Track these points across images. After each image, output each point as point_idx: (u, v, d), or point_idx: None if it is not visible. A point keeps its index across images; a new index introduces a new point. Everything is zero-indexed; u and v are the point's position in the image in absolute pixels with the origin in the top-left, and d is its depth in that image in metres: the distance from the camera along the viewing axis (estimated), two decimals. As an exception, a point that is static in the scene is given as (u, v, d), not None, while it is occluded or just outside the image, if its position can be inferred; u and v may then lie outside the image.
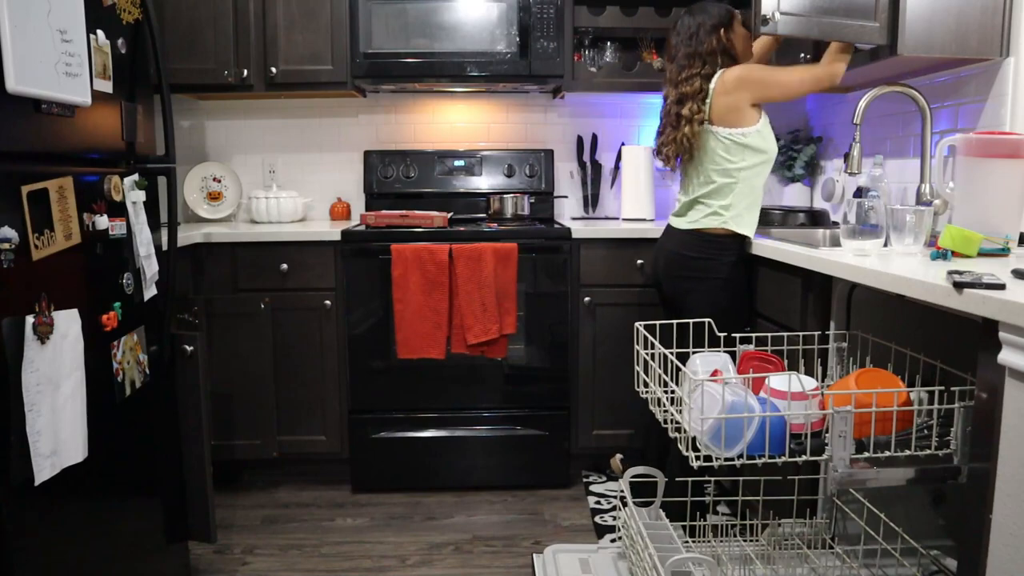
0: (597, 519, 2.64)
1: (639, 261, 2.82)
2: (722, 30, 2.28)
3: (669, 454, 2.24)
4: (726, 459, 1.45)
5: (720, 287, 2.28)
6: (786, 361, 1.79)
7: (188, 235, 2.67)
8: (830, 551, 1.90)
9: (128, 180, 1.87)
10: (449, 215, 2.97)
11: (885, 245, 1.85)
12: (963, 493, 1.38)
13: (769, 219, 2.89)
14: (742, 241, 2.28)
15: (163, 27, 2.86)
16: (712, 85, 2.24)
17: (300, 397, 2.87)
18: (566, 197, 3.42)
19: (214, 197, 3.33)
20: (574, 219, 3.35)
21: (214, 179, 3.32)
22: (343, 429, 2.87)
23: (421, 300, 2.72)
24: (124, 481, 1.86)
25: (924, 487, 1.83)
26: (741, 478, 2.13)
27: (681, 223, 2.36)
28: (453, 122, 3.42)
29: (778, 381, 1.51)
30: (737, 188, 2.25)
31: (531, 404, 2.88)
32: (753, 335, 1.87)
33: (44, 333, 1.48)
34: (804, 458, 1.47)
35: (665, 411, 1.62)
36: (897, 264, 1.60)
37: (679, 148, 2.29)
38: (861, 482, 1.48)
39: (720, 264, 2.28)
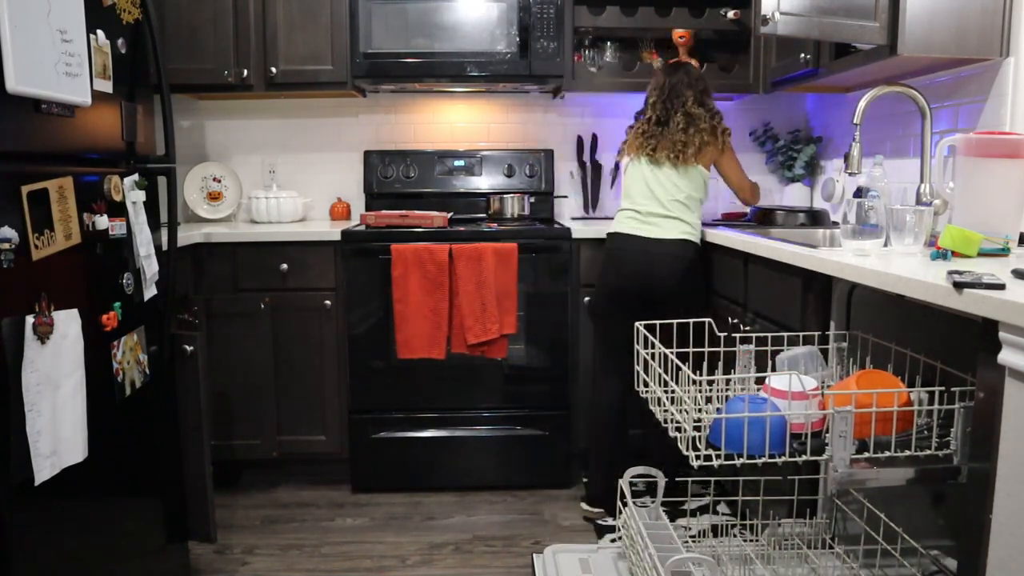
0: (597, 519, 2.64)
1: (639, 261, 2.82)
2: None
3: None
4: (726, 457, 1.45)
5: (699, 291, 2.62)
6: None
7: (188, 235, 2.67)
8: (830, 551, 1.90)
9: (128, 180, 1.87)
10: (449, 215, 2.97)
11: (885, 245, 1.85)
12: (963, 493, 1.38)
13: (769, 219, 2.89)
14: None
15: (163, 27, 2.86)
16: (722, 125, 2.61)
17: (300, 397, 2.87)
18: (566, 197, 3.42)
19: (214, 197, 3.33)
20: (574, 219, 3.35)
21: (214, 179, 3.32)
22: (343, 429, 2.87)
23: (421, 300, 2.72)
24: (124, 481, 1.86)
25: (924, 487, 1.83)
26: (741, 478, 2.13)
27: (672, 233, 2.56)
28: (453, 122, 3.42)
29: (778, 381, 1.51)
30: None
31: (531, 404, 2.88)
32: (753, 335, 1.87)
33: (44, 333, 1.48)
34: (804, 458, 1.47)
35: (665, 411, 1.62)
36: (897, 264, 1.60)
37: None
38: (861, 482, 1.48)
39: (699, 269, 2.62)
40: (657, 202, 2.55)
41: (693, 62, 3.14)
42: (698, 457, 1.46)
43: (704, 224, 2.65)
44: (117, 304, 1.81)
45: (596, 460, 2.69)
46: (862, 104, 2.19)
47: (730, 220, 3.10)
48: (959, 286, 1.26)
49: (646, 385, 1.72)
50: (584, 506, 2.69)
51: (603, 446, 2.67)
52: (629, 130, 2.68)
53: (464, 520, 2.68)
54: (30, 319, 1.45)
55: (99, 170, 1.76)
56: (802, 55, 2.60)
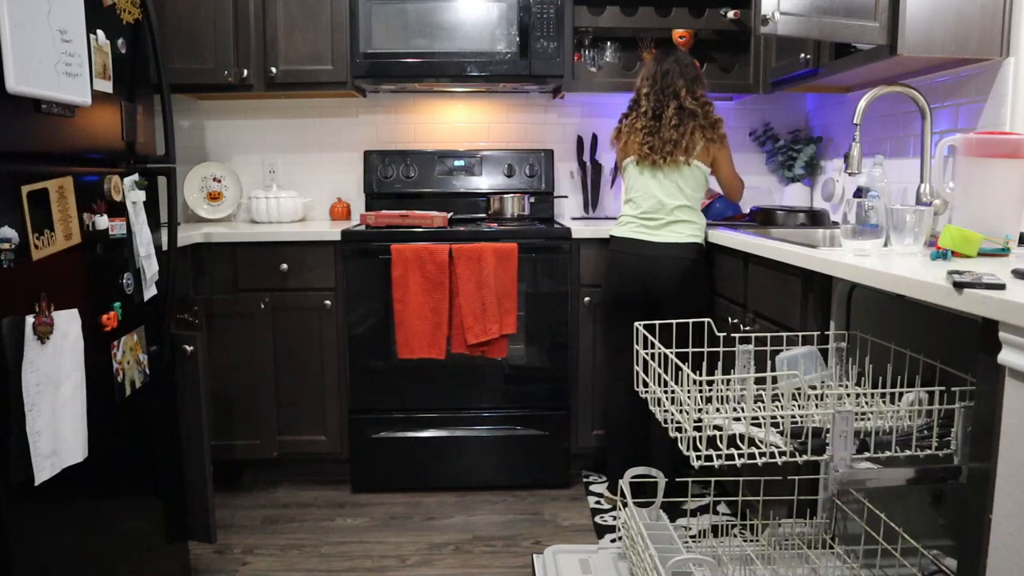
0: (597, 519, 2.64)
1: (639, 261, 2.82)
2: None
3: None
4: (726, 457, 1.45)
5: (703, 292, 2.60)
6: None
7: (188, 235, 2.67)
8: (830, 551, 1.90)
9: (128, 180, 1.87)
10: (449, 215, 2.97)
11: (885, 245, 1.85)
12: (963, 493, 1.38)
13: (769, 219, 2.89)
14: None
15: (163, 27, 2.86)
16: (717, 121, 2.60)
17: (300, 397, 2.87)
18: (566, 197, 3.42)
19: (214, 197, 3.33)
20: (574, 219, 3.35)
21: (214, 179, 3.32)
22: (343, 429, 2.87)
23: (421, 300, 2.72)
24: (124, 481, 1.86)
25: (924, 487, 1.83)
26: (741, 478, 2.13)
27: (677, 236, 2.56)
28: (453, 122, 3.42)
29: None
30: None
31: (531, 404, 2.88)
32: (753, 335, 1.87)
33: (44, 333, 1.48)
34: (805, 458, 1.47)
35: (665, 411, 1.62)
36: (897, 264, 1.60)
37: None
38: (861, 482, 1.48)
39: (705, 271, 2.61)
40: (661, 205, 2.55)
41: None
42: (699, 457, 1.46)
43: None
44: (117, 304, 1.81)
45: (614, 462, 2.72)
46: (862, 104, 2.19)
47: (730, 220, 3.09)
48: (959, 286, 1.26)
49: (646, 385, 1.72)
50: (607, 494, 2.78)
51: (619, 448, 2.72)
52: (623, 119, 2.67)
53: (464, 520, 2.68)
54: (30, 319, 1.45)
55: (99, 170, 1.76)
56: (802, 55, 2.60)
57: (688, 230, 2.54)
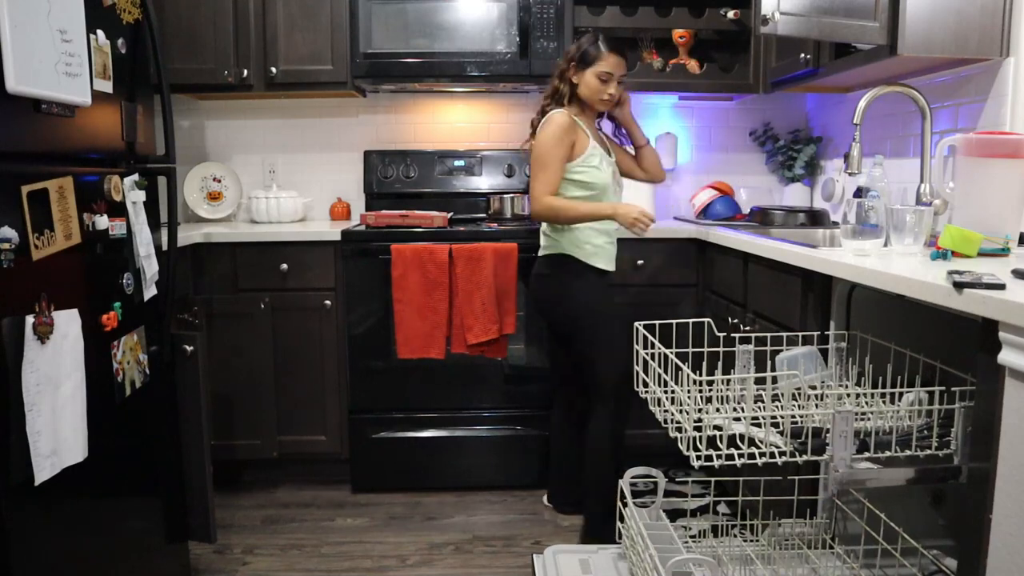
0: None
1: (639, 261, 2.83)
2: (571, 70, 2.36)
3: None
4: (727, 457, 1.45)
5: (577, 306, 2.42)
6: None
7: (188, 235, 2.67)
8: (830, 551, 1.90)
9: (128, 180, 1.87)
10: (449, 215, 2.97)
11: (885, 245, 1.85)
12: (963, 493, 1.38)
13: (769, 219, 2.89)
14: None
15: (163, 27, 2.86)
16: (542, 120, 2.39)
17: (300, 397, 2.87)
18: (566, 197, 3.41)
19: (214, 197, 3.33)
20: (574, 219, 3.35)
21: (214, 179, 3.32)
22: (343, 429, 2.87)
23: (421, 300, 2.72)
24: (124, 481, 1.86)
25: (924, 487, 1.83)
26: (741, 478, 2.13)
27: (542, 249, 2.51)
28: (453, 122, 3.42)
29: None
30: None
31: (531, 404, 2.88)
32: (753, 335, 1.87)
33: (44, 333, 1.48)
34: (805, 458, 1.47)
35: (665, 411, 1.62)
36: (897, 264, 1.60)
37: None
38: (861, 482, 1.48)
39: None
40: None
41: (692, 62, 3.15)
42: (699, 457, 1.46)
43: (705, 224, 2.65)
44: (117, 304, 1.81)
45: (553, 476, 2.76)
46: (862, 104, 2.19)
47: (730, 220, 3.10)
48: (959, 286, 1.26)
49: (645, 385, 1.72)
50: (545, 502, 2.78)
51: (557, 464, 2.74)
52: None
53: (464, 520, 2.68)
54: (30, 319, 1.45)
55: (99, 170, 1.76)
56: (802, 55, 2.60)
57: (545, 241, 2.47)
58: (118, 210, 1.82)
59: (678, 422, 1.55)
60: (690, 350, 1.79)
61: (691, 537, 2.04)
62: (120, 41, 1.82)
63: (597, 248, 2.38)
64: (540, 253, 2.48)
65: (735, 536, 1.97)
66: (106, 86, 1.74)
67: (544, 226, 2.46)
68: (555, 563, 1.93)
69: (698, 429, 1.47)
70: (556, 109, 2.36)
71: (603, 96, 2.35)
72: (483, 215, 3.30)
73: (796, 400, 1.58)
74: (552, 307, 2.46)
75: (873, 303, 1.87)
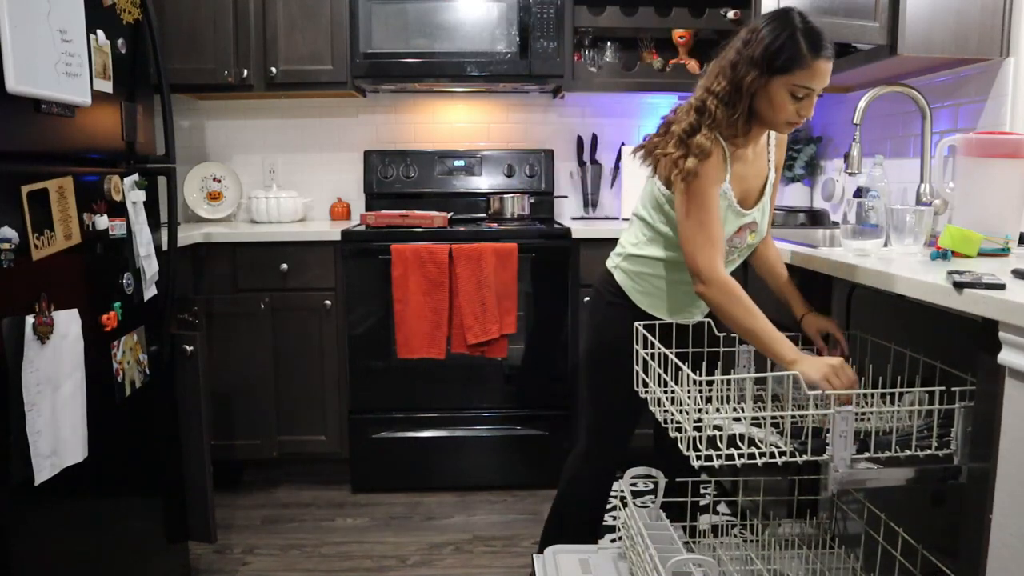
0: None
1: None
2: (750, 75, 1.60)
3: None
4: (727, 457, 1.45)
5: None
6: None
7: (188, 235, 2.67)
8: (830, 551, 1.90)
9: (128, 180, 1.87)
10: (449, 215, 2.97)
11: (885, 245, 1.85)
12: (963, 493, 1.38)
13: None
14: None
15: (163, 27, 2.86)
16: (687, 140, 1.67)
17: (300, 397, 2.87)
18: (566, 197, 3.42)
19: (214, 197, 3.33)
20: (574, 219, 3.35)
21: (214, 179, 3.32)
22: (343, 429, 2.87)
23: (421, 300, 2.72)
24: (124, 481, 1.86)
25: (924, 487, 1.83)
26: (741, 478, 2.13)
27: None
28: (453, 122, 3.42)
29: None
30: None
31: (531, 404, 2.88)
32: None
33: (44, 333, 1.48)
34: (804, 458, 1.47)
35: (665, 411, 1.62)
36: (897, 264, 1.60)
37: None
38: (861, 482, 1.48)
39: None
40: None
41: (692, 62, 3.14)
42: (699, 458, 1.46)
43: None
44: (117, 304, 1.81)
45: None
46: (862, 104, 2.19)
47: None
48: (959, 286, 1.26)
49: (645, 385, 1.72)
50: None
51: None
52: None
53: (464, 520, 2.68)
54: (30, 319, 1.45)
55: (99, 170, 1.76)
56: (802, 55, 2.59)
57: (615, 256, 1.91)
58: (118, 210, 1.82)
59: (678, 422, 1.55)
60: (690, 350, 1.79)
61: (691, 537, 2.03)
62: (120, 41, 1.82)
63: (657, 291, 1.83)
64: (608, 266, 1.93)
65: (735, 536, 1.96)
66: (106, 86, 1.74)
67: (630, 232, 1.90)
68: (555, 563, 1.93)
69: (698, 429, 1.47)
70: (703, 131, 1.64)
71: (792, 119, 1.64)
72: (483, 215, 3.30)
73: (796, 400, 1.58)
74: (588, 329, 1.99)
75: (873, 303, 1.87)
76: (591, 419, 1.98)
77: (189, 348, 2.12)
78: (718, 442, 1.47)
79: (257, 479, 2.99)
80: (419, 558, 2.42)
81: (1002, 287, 1.24)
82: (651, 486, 2.54)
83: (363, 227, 2.90)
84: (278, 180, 3.38)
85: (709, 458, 1.46)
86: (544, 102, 3.42)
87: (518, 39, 2.95)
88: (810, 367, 1.53)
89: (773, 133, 1.82)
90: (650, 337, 1.69)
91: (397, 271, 2.71)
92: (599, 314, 1.92)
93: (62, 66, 1.53)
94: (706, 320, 1.89)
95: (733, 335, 1.85)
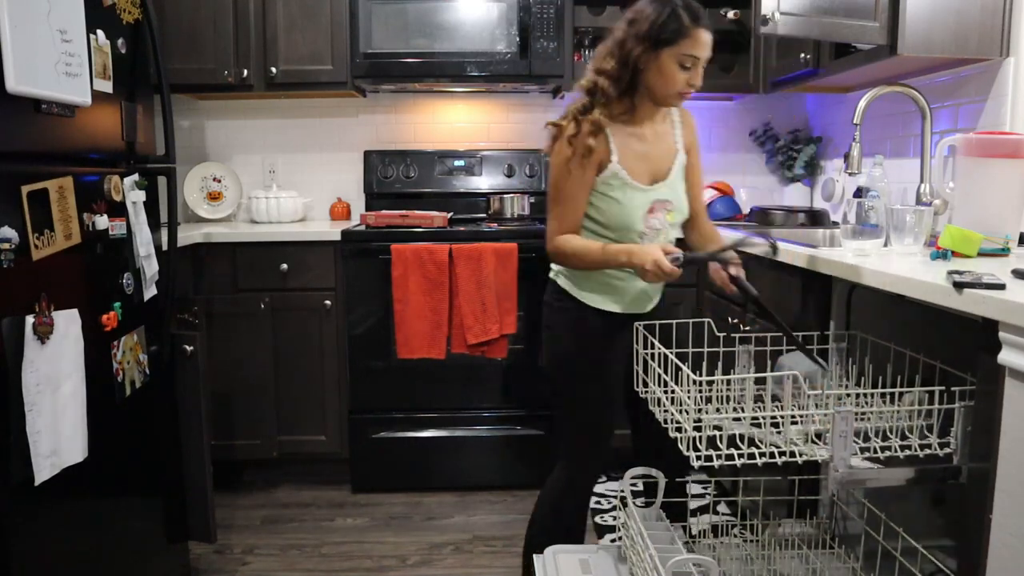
0: (597, 519, 2.64)
1: (639, 261, 2.82)
2: (638, 49, 1.68)
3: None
4: (726, 457, 1.45)
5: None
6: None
7: (188, 235, 2.67)
8: (830, 551, 1.90)
9: (128, 180, 1.87)
10: (449, 215, 2.97)
11: (885, 245, 1.85)
12: (963, 493, 1.38)
13: (769, 219, 2.89)
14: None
15: (163, 27, 2.86)
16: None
17: (300, 397, 2.87)
18: (566, 197, 3.41)
19: (214, 197, 3.33)
20: (574, 219, 3.34)
21: (214, 179, 3.32)
22: (343, 429, 2.87)
23: (421, 300, 2.72)
24: (124, 481, 1.86)
25: (924, 487, 1.83)
26: (741, 478, 2.13)
27: None
28: (453, 122, 3.42)
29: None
30: None
31: (531, 404, 2.88)
32: (753, 335, 1.87)
33: (44, 333, 1.48)
34: (804, 458, 1.47)
35: (665, 411, 1.62)
36: (897, 264, 1.60)
37: None
38: (861, 482, 1.48)
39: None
40: None
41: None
42: (699, 458, 1.46)
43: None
44: (117, 304, 1.81)
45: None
46: (862, 104, 2.19)
47: (730, 221, 3.10)
48: (959, 286, 1.27)
49: (645, 385, 1.72)
50: None
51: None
52: None
53: (464, 520, 2.68)
54: (30, 319, 1.45)
55: (99, 170, 1.76)
56: (802, 55, 2.60)
57: (553, 264, 1.95)
58: (118, 210, 1.82)
59: (678, 422, 1.55)
60: (690, 350, 1.78)
61: (691, 537, 2.03)
62: (120, 41, 1.82)
63: (600, 284, 1.84)
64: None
65: (735, 536, 1.96)
66: (106, 86, 1.74)
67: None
68: (555, 563, 1.93)
69: (698, 429, 1.47)
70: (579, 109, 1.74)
71: (682, 89, 1.72)
72: (483, 215, 3.30)
73: (796, 400, 1.58)
74: (544, 341, 2.00)
75: (873, 303, 1.87)
76: (568, 428, 1.96)
77: (189, 348, 2.12)
78: (718, 442, 1.47)
79: (257, 479, 2.99)
80: (419, 558, 2.42)
81: (1002, 287, 1.24)
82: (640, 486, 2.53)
83: (363, 227, 2.90)
84: (278, 180, 3.38)
85: (709, 458, 1.46)
86: (544, 102, 3.42)
87: (518, 39, 2.95)
88: (640, 260, 1.66)
89: (678, 115, 1.89)
90: (650, 337, 1.69)
91: (397, 271, 2.71)
92: (552, 320, 1.95)
93: (62, 66, 1.53)
94: (706, 320, 1.89)
95: (733, 335, 1.85)
